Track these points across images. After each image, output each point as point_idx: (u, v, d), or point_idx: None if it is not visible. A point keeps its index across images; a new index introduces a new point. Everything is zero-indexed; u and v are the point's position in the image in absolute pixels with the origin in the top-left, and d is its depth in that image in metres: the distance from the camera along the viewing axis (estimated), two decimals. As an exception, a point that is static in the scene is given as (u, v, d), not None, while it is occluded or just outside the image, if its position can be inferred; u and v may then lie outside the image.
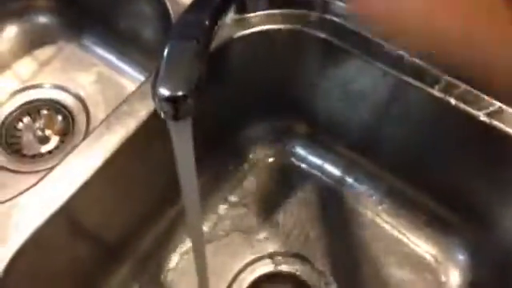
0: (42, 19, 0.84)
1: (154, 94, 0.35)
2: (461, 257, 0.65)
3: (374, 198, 0.71)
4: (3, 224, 0.48)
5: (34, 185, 0.51)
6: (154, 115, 0.55)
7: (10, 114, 0.78)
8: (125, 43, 0.81)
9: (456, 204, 0.66)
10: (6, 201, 0.49)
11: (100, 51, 0.83)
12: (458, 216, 0.66)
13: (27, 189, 0.50)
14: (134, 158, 0.56)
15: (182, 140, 0.39)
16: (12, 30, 0.84)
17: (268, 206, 0.71)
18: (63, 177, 0.51)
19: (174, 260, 0.66)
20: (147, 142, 0.56)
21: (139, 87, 0.57)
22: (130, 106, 0.55)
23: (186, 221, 0.51)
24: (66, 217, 0.51)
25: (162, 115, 0.36)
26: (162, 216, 0.66)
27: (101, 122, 0.54)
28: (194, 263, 0.59)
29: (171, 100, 0.34)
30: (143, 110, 0.55)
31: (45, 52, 0.83)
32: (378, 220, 0.70)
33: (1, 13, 0.83)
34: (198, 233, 0.53)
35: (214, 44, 0.61)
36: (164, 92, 0.34)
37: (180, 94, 0.34)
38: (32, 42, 0.84)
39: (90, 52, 0.84)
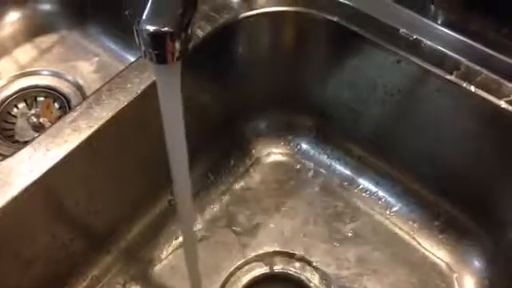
0: (46, 6, 0.82)
1: (139, 31, 0.31)
2: (477, 264, 0.60)
3: (384, 200, 0.66)
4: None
5: (12, 155, 0.47)
6: (149, 89, 0.51)
7: (6, 99, 0.75)
8: (129, 33, 0.77)
9: (474, 207, 0.60)
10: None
11: (103, 41, 0.81)
12: (475, 220, 0.61)
13: (3, 158, 0.47)
14: (124, 134, 0.52)
15: (169, 92, 0.35)
16: (14, 16, 0.81)
17: (269, 205, 0.67)
18: (44, 148, 0.47)
19: (165, 254, 0.61)
20: (140, 118, 0.52)
21: (135, 61, 0.54)
22: (124, 79, 0.52)
23: (177, 207, 0.47)
24: (44, 191, 0.47)
25: (147, 57, 0.32)
26: (154, 205, 0.62)
27: (92, 93, 0.51)
28: (185, 259, 0.54)
29: (156, 36, 0.31)
30: (138, 84, 0.51)
31: (46, 39, 0.81)
32: (388, 224, 0.65)
33: (4, -2, 0.81)
34: (189, 218, 0.49)
35: (219, 24, 0.58)
36: (149, 27, 0.31)
37: (166, 29, 0.31)
38: (34, 29, 0.82)
39: (93, 41, 0.81)
